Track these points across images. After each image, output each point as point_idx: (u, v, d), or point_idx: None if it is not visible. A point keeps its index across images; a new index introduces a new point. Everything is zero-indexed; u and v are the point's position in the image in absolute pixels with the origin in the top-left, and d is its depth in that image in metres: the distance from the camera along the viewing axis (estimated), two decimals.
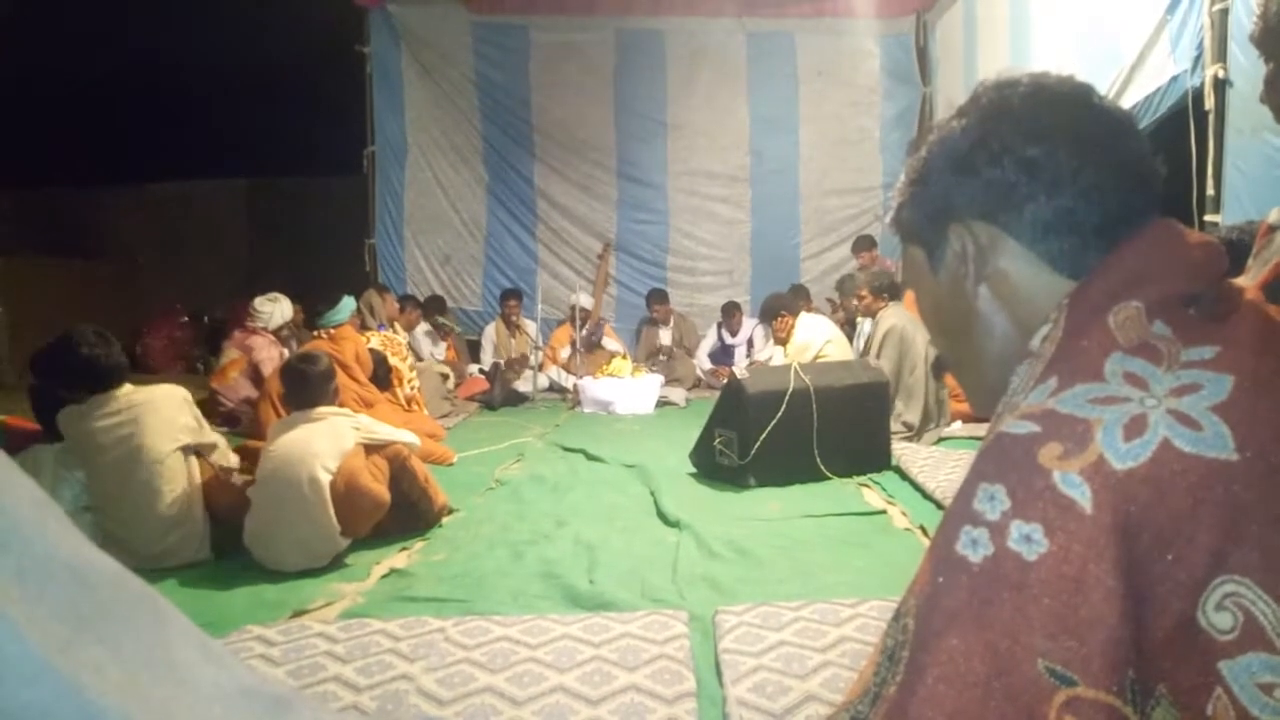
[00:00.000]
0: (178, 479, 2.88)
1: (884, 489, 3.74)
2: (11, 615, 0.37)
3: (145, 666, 0.42)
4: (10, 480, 0.42)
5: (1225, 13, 3.78)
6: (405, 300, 7.47)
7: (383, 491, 2.96)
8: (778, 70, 8.32)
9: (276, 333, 5.90)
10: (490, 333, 7.70)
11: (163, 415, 2.89)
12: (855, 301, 5.20)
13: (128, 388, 2.91)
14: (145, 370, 8.89)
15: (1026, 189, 0.67)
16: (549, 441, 5.00)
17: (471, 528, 3.27)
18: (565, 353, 7.33)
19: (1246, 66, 3.62)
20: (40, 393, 3.19)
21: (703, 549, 2.91)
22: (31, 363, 2.98)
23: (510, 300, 7.61)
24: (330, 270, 7.43)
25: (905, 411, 4.68)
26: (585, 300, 7.54)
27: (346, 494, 2.85)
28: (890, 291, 5.04)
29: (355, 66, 8.15)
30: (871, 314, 5.05)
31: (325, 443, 2.89)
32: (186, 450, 2.96)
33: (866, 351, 4.92)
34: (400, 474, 3.10)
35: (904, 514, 3.35)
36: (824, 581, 2.60)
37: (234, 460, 3.22)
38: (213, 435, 3.14)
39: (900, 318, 4.82)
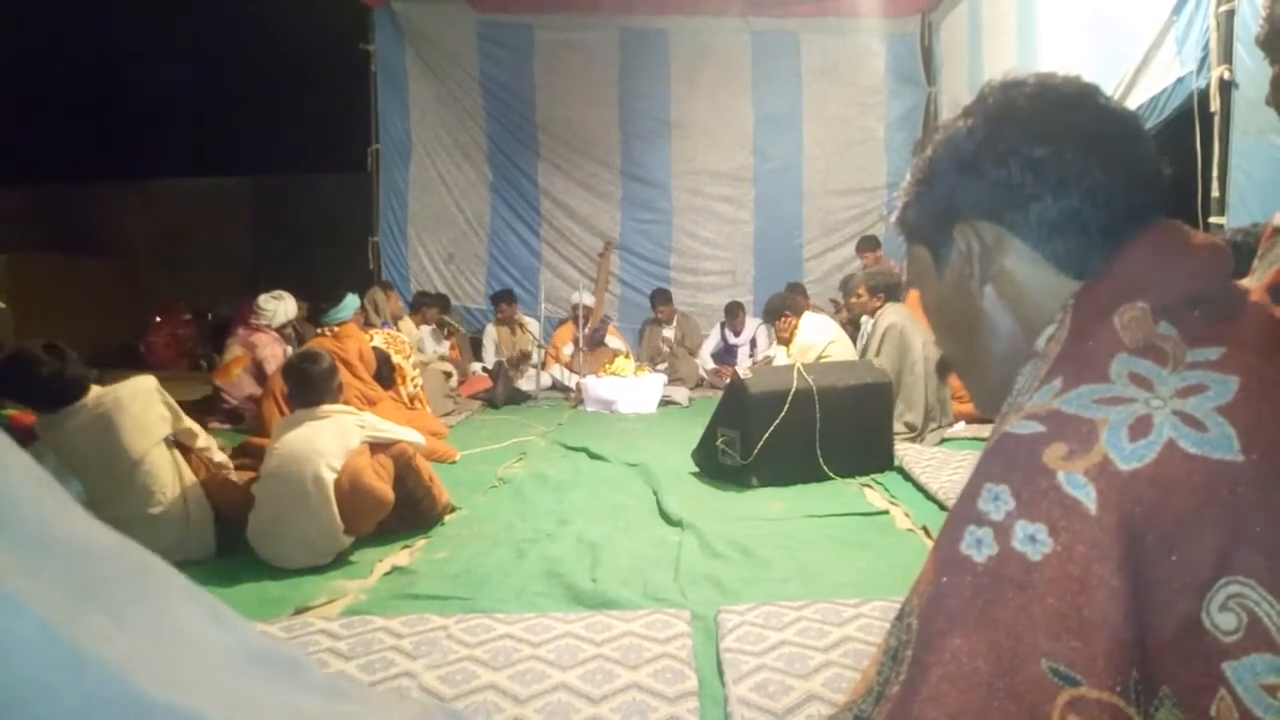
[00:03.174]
0: (165, 476, 2.85)
1: (887, 489, 3.74)
2: (10, 590, 0.37)
3: (150, 632, 0.42)
4: (6, 458, 0.42)
5: (1231, 14, 3.78)
6: (421, 297, 7.44)
7: (387, 490, 2.96)
8: (782, 69, 8.32)
9: (280, 330, 5.91)
10: (492, 331, 7.70)
11: (133, 412, 2.83)
12: (853, 300, 5.20)
13: (95, 391, 2.85)
14: (149, 368, 8.91)
15: (1032, 189, 0.67)
16: (551, 440, 5.01)
17: (474, 526, 3.27)
18: (568, 351, 7.33)
19: (1252, 68, 3.61)
20: None
21: (705, 548, 2.91)
22: None
23: (502, 305, 7.57)
24: (334, 268, 7.45)
25: (907, 411, 4.67)
26: (588, 299, 7.53)
27: (351, 492, 2.85)
28: (888, 292, 5.02)
29: (360, 64, 8.16)
30: (869, 313, 5.05)
31: (330, 441, 2.89)
32: (168, 442, 2.92)
33: (865, 352, 4.92)
34: (405, 472, 3.10)
35: (907, 514, 3.35)
36: (826, 581, 2.60)
37: (219, 456, 3.18)
38: (189, 422, 3.05)
39: (899, 317, 4.81)
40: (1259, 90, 3.47)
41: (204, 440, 3.14)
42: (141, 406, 2.87)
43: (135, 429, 2.82)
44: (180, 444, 3.01)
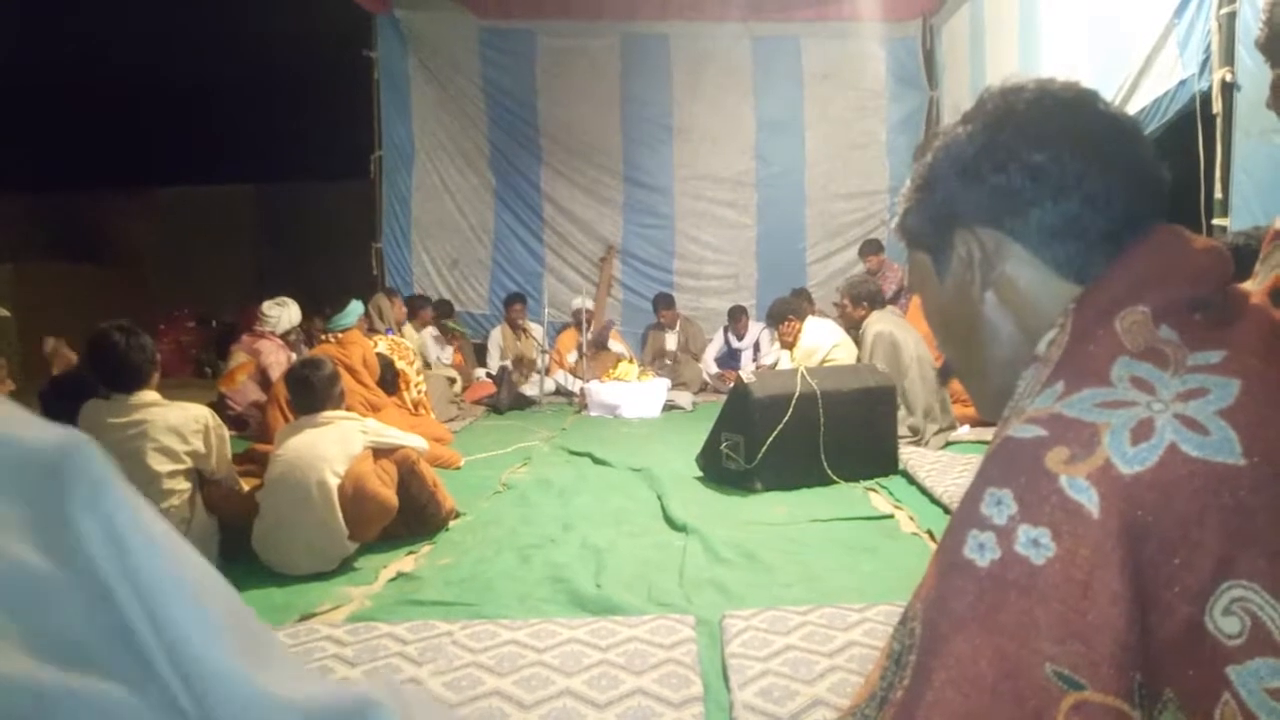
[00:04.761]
0: (176, 500, 2.83)
1: (891, 493, 3.74)
2: None
3: None
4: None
5: (1233, 16, 3.77)
6: (416, 300, 7.46)
7: (390, 496, 2.97)
8: (783, 74, 8.33)
9: (284, 337, 5.93)
10: (497, 336, 7.71)
11: (170, 436, 2.82)
12: (840, 311, 5.21)
13: (151, 395, 2.85)
14: None
15: (1032, 195, 0.67)
16: (555, 445, 5.01)
17: (478, 531, 3.28)
18: (572, 356, 7.33)
19: (1254, 70, 3.61)
20: (50, 396, 3.20)
21: (710, 553, 2.91)
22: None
23: (515, 305, 7.61)
24: (338, 274, 7.47)
25: (908, 415, 4.66)
26: (590, 304, 7.54)
27: (354, 498, 2.85)
28: (870, 299, 5.01)
29: (363, 71, 8.19)
30: (854, 323, 5.04)
31: (334, 447, 2.90)
32: (188, 474, 2.89)
33: (860, 361, 4.91)
34: (409, 478, 3.10)
35: (911, 518, 3.35)
36: (831, 586, 2.59)
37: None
38: (225, 468, 3.04)
39: (886, 323, 4.80)
40: (1261, 92, 3.46)
41: (238, 484, 3.12)
42: (180, 438, 2.84)
43: (162, 451, 2.80)
44: (203, 477, 3.00)
